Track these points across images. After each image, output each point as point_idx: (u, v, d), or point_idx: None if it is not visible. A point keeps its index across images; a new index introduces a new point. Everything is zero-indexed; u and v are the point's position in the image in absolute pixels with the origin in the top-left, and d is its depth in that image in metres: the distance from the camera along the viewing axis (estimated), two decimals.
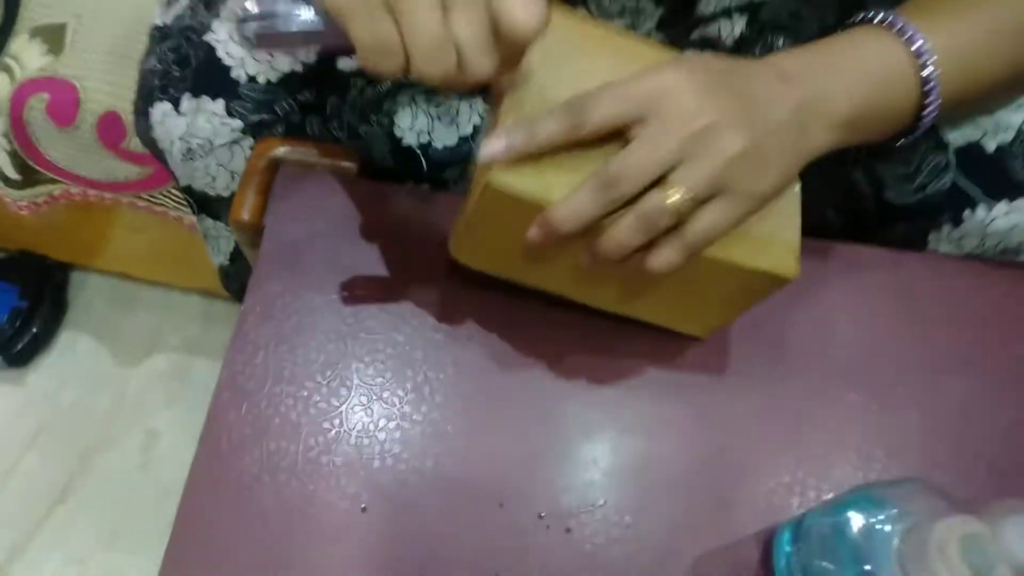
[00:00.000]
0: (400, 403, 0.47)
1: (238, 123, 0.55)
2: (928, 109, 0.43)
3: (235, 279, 0.75)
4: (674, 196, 0.36)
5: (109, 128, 0.74)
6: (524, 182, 0.38)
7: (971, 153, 0.51)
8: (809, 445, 0.47)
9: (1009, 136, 0.51)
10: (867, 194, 0.54)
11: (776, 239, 0.41)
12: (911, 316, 0.51)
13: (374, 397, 0.47)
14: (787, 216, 0.42)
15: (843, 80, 0.41)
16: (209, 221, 0.67)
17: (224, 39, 0.54)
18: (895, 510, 0.36)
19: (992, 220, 0.52)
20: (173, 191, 0.80)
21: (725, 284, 0.43)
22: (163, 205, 0.82)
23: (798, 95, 0.39)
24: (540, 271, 0.45)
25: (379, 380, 0.47)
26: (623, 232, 0.37)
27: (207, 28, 0.55)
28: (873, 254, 0.53)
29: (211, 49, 0.54)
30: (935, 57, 0.41)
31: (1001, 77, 0.45)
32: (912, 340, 0.50)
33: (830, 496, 0.45)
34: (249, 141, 0.56)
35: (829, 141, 0.41)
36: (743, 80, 0.39)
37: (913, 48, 0.42)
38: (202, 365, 1.10)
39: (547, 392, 0.47)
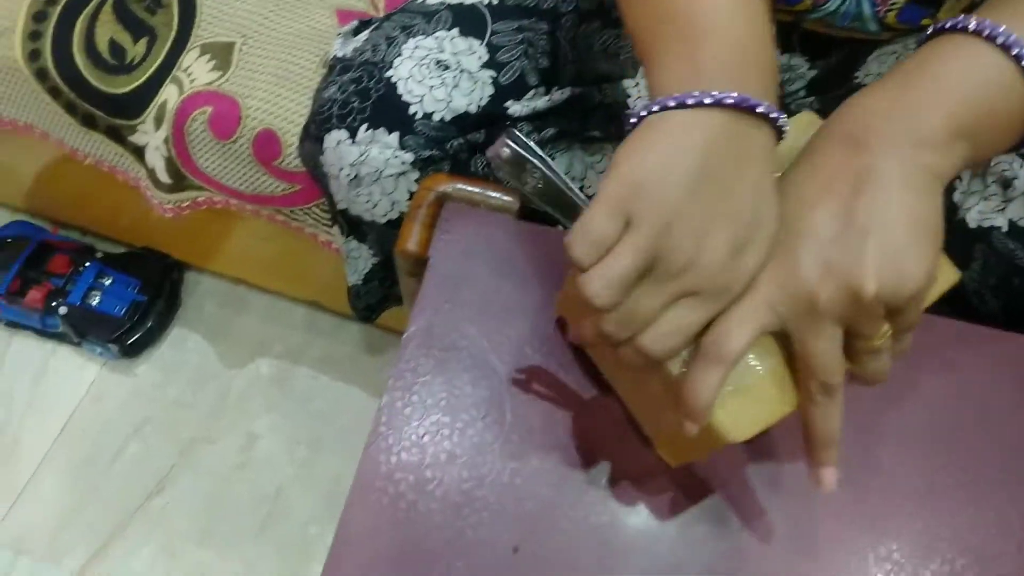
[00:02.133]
0: (554, 448, 0.48)
1: (409, 156, 0.57)
2: None
3: (363, 299, 0.78)
4: (877, 342, 0.38)
5: (265, 145, 0.78)
6: (757, 414, 0.39)
7: None
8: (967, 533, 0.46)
9: None
10: None
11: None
12: None
13: (528, 438, 0.48)
14: None
15: (935, 98, 0.38)
16: (355, 243, 0.69)
17: (405, 76, 0.57)
18: None
19: None
20: (315, 209, 0.83)
21: None
22: (300, 221, 0.85)
23: (894, 150, 0.37)
24: None
25: (533, 422, 0.48)
26: (878, 368, 0.39)
27: (389, 65, 0.57)
28: None
29: (392, 85, 0.57)
30: None
31: None
32: None
33: None
34: (415, 175, 0.58)
35: (951, 162, 0.38)
36: (842, 196, 0.37)
37: (1006, 46, 0.38)
38: (303, 374, 1.13)
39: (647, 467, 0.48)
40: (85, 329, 1.12)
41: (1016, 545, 0.45)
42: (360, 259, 0.71)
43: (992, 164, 0.55)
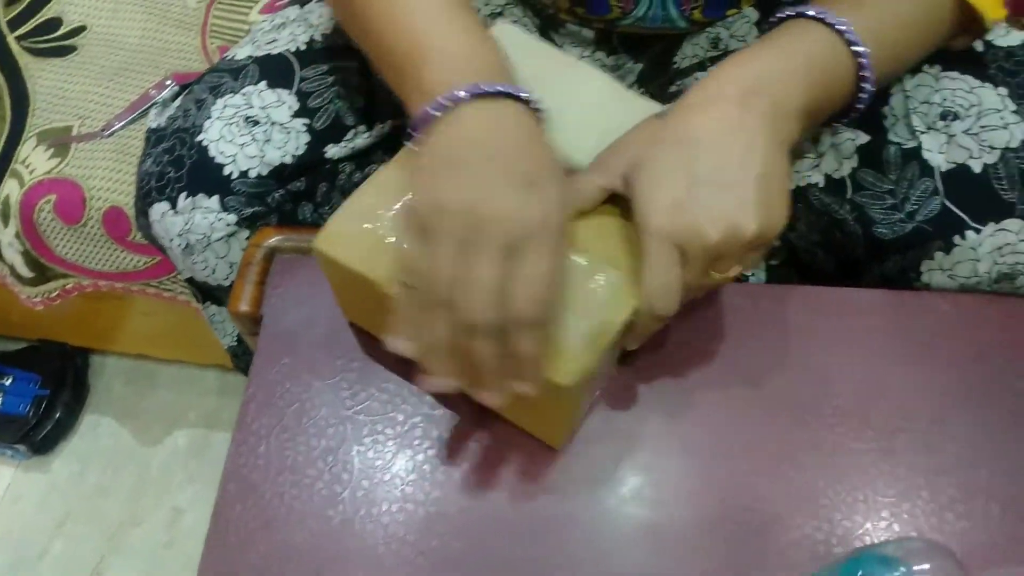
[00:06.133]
0: (402, 484, 0.47)
1: (233, 217, 0.56)
2: (865, 85, 0.47)
3: (244, 359, 0.76)
4: (732, 273, 0.43)
5: (115, 223, 0.76)
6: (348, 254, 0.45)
7: (958, 176, 0.51)
8: (815, 498, 0.47)
9: (994, 157, 0.51)
10: (856, 232, 0.54)
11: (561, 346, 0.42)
12: (909, 357, 0.51)
13: (376, 480, 0.47)
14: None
15: (798, 76, 0.45)
16: (213, 307, 0.68)
17: (216, 138, 0.56)
18: (903, 569, 0.36)
19: (981, 244, 0.51)
20: (179, 278, 0.82)
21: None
22: (171, 291, 0.84)
23: (765, 109, 0.43)
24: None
25: (379, 463, 0.48)
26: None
27: (200, 129, 0.57)
28: (867, 296, 0.53)
29: (204, 149, 0.56)
30: (863, 45, 0.46)
31: (915, 49, 0.51)
32: (912, 382, 0.50)
33: (839, 551, 0.45)
34: (245, 233, 0.58)
35: (797, 132, 0.45)
36: (720, 148, 0.43)
37: (844, 36, 0.46)
38: (222, 439, 1.11)
39: (551, 463, 0.48)
40: None
41: (863, 503, 0.46)
42: (225, 322, 0.71)
43: None
